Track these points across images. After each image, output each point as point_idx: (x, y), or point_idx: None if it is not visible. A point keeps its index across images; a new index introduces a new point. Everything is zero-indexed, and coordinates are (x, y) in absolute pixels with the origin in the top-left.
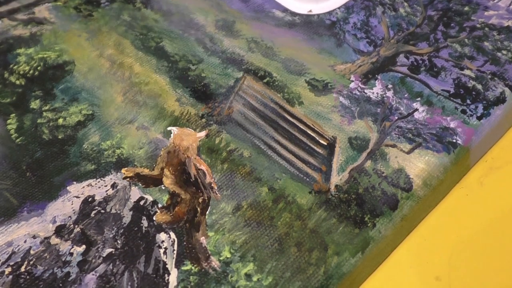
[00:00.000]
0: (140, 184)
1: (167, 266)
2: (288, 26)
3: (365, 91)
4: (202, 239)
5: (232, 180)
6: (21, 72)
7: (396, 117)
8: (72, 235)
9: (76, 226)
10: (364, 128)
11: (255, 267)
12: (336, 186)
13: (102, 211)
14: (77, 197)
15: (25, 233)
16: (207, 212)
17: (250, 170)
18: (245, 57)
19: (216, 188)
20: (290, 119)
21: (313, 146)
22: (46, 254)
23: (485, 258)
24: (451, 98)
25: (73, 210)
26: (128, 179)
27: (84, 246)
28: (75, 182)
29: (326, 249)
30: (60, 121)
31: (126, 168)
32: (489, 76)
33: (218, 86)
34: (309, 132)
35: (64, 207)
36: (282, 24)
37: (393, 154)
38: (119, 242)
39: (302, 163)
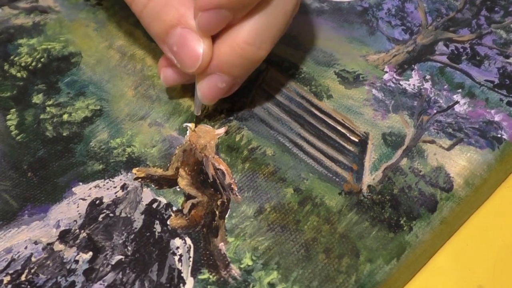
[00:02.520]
0: (152, 186)
1: (182, 274)
2: (316, 13)
3: (401, 82)
4: (221, 245)
5: (254, 181)
6: (23, 64)
7: (435, 111)
8: (78, 240)
9: (82, 231)
10: (399, 123)
11: (279, 275)
12: (369, 186)
13: (111, 214)
14: (83, 199)
15: (26, 238)
16: (227, 216)
17: (273, 169)
18: None
19: (236, 189)
20: (318, 114)
21: (343, 143)
22: (49, 262)
23: None
24: (496, 89)
25: (79, 213)
26: (139, 180)
27: (90, 253)
28: (81, 183)
29: (358, 255)
30: (65, 117)
31: (137, 168)
32: None
33: None
34: (339, 128)
35: (69, 210)
36: (308, 11)
37: (431, 151)
38: (129, 248)
39: (331, 162)
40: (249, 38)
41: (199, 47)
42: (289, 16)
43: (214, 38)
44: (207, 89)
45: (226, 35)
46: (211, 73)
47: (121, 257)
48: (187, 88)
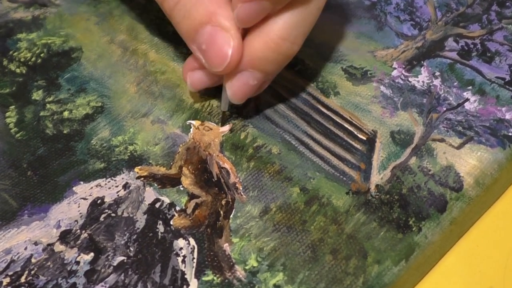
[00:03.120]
0: (155, 185)
1: (185, 276)
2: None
3: (409, 79)
4: (226, 246)
5: (259, 180)
6: (22, 60)
7: (445, 108)
8: (79, 241)
9: (83, 231)
10: (408, 121)
11: (285, 277)
12: (377, 186)
13: (113, 214)
14: (84, 199)
15: (25, 239)
16: (231, 216)
17: (279, 168)
18: None
19: (241, 188)
20: (325, 111)
21: (350, 141)
22: (49, 263)
23: None
24: (507, 86)
25: (80, 213)
26: (142, 179)
27: (92, 254)
28: (82, 182)
29: (366, 256)
30: (66, 114)
31: (139, 167)
32: None
33: None
34: (346, 125)
35: (69, 210)
36: None
37: (441, 149)
38: (131, 249)
39: (338, 161)
40: (284, 33)
41: (229, 45)
42: (321, 10)
43: (246, 34)
44: (238, 87)
45: (259, 30)
46: (243, 70)
47: (123, 258)
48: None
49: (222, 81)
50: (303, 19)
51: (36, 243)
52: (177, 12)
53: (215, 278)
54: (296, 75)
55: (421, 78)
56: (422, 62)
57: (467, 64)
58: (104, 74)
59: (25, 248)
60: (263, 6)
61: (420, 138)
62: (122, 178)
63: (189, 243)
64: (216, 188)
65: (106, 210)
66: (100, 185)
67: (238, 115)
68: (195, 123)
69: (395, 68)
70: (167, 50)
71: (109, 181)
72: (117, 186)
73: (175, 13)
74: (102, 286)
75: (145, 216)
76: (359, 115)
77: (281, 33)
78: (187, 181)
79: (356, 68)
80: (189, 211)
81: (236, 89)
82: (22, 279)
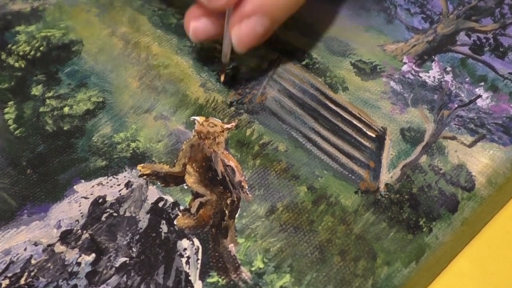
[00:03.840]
0: (158, 183)
1: (190, 277)
2: (331, 0)
3: (420, 74)
4: (231, 247)
5: (266, 178)
6: (21, 53)
7: (456, 105)
8: (80, 242)
9: (85, 231)
10: (418, 118)
11: (292, 279)
12: (386, 185)
13: (115, 214)
14: (85, 198)
15: (25, 239)
16: (237, 216)
17: (286, 166)
18: (281, 36)
19: (246, 187)
20: (333, 107)
21: (359, 139)
22: (49, 264)
23: None
24: None
25: (81, 213)
26: (144, 177)
27: (93, 255)
28: (83, 181)
29: (375, 258)
30: (66, 109)
31: (142, 165)
32: None
33: (249, 69)
34: (355, 122)
35: (70, 210)
36: None
37: (452, 147)
38: (134, 250)
39: (347, 159)
40: None
41: None
42: None
43: None
44: (244, 33)
45: None
46: (252, 15)
47: (125, 259)
48: (194, 79)
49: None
50: None
51: (36, 244)
52: None
53: (220, 279)
54: (303, 69)
55: (432, 74)
56: (433, 56)
57: (479, 59)
58: (105, 68)
59: (25, 249)
60: None
61: (431, 135)
62: (124, 176)
63: (193, 244)
64: (221, 187)
65: (108, 210)
66: (101, 184)
67: (244, 111)
68: (199, 119)
69: (405, 63)
70: (171, 43)
71: (111, 180)
72: (119, 185)
73: None
74: None
75: (148, 215)
76: (368, 112)
77: None
78: (191, 179)
79: (365, 62)
80: (193, 210)
81: (243, 35)
82: (22, 281)
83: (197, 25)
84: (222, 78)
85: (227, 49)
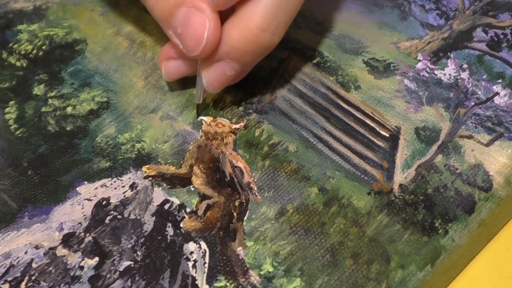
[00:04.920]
0: (164, 185)
1: (196, 282)
2: None
3: (435, 72)
4: (239, 250)
5: (275, 180)
6: (23, 52)
7: (473, 103)
8: (83, 245)
9: (88, 234)
10: (434, 116)
11: (303, 283)
12: (401, 185)
13: (119, 216)
14: (88, 199)
15: (26, 242)
16: (245, 218)
17: (296, 167)
18: (291, 34)
19: (255, 189)
20: (345, 106)
21: (372, 138)
22: (51, 268)
23: None
24: None
25: (84, 215)
26: (150, 178)
27: (97, 259)
28: (86, 182)
29: (389, 261)
30: (69, 109)
31: (147, 166)
32: None
33: (258, 68)
34: (368, 121)
35: (73, 212)
36: None
37: (469, 146)
38: (139, 253)
39: (360, 159)
40: (263, 22)
41: (204, 27)
42: (303, 1)
43: (223, 22)
44: (214, 77)
45: (238, 18)
46: (219, 60)
47: (130, 263)
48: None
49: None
50: (285, 8)
51: (37, 247)
52: None
53: (228, 284)
54: (314, 68)
55: (448, 71)
56: (448, 54)
57: (496, 55)
58: (110, 68)
59: (26, 252)
60: None
61: (447, 134)
62: (129, 178)
63: (200, 247)
64: (229, 188)
65: (112, 212)
66: (105, 185)
67: (253, 111)
68: (206, 119)
69: (420, 61)
70: None
71: (115, 181)
72: (123, 186)
73: None
74: None
75: (154, 218)
76: (381, 111)
77: (260, 23)
78: (198, 181)
79: (378, 60)
80: (200, 212)
81: (212, 79)
82: (22, 285)
83: (168, 66)
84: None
85: (200, 91)
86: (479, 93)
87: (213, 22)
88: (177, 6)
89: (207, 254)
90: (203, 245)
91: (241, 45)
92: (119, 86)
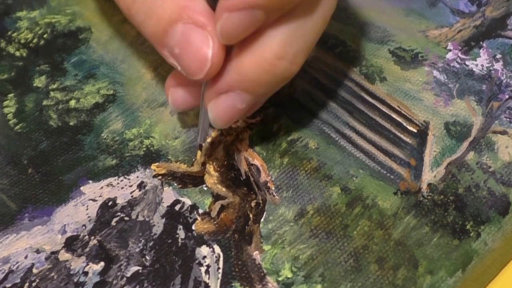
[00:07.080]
0: (175, 184)
1: None
2: None
3: (467, 62)
4: (255, 254)
5: (294, 179)
6: (23, 41)
7: (507, 96)
8: (87, 249)
9: (92, 237)
10: (465, 111)
11: None
12: (429, 185)
13: (126, 218)
14: (93, 200)
15: (26, 246)
16: (262, 220)
17: (317, 165)
18: None
19: (273, 188)
20: (369, 99)
21: (399, 134)
22: (53, 274)
23: None
24: None
25: (89, 217)
26: (159, 177)
27: (102, 264)
28: (91, 181)
29: (417, 266)
30: (72, 103)
31: (157, 164)
32: None
33: None
34: (394, 116)
35: (76, 213)
36: None
37: (503, 143)
38: (147, 258)
39: (385, 156)
40: (281, 51)
41: (207, 45)
42: (327, 21)
43: (235, 49)
44: (223, 110)
45: (251, 45)
46: (229, 91)
47: (138, 268)
48: None
49: None
50: (305, 33)
51: (38, 251)
52: (137, 10)
53: None
54: (336, 58)
55: (480, 62)
56: (481, 43)
57: None
58: (116, 58)
59: (26, 257)
60: (255, 17)
61: (479, 130)
62: (137, 177)
63: (213, 251)
64: (245, 188)
65: (119, 213)
66: (111, 185)
67: (271, 105)
68: None
69: (450, 50)
70: None
71: (121, 180)
72: (131, 186)
73: (134, 12)
74: None
75: (163, 220)
76: (408, 104)
77: (278, 51)
78: (211, 180)
79: (406, 50)
80: (213, 214)
81: (220, 112)
82: None
83: (175, 95)
84: (199, 158)
85: (203, 129)
86: None
87: (217, 40)
88: (172, 22)
89: (221, 258)
90: (217, 249)
91: (255, 75)
92: (126, 77)
